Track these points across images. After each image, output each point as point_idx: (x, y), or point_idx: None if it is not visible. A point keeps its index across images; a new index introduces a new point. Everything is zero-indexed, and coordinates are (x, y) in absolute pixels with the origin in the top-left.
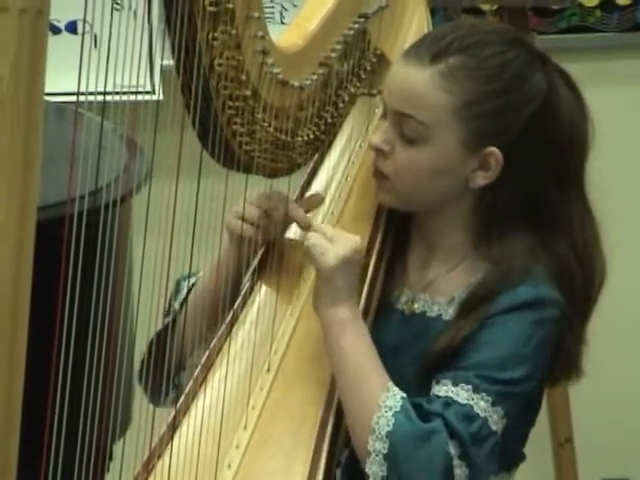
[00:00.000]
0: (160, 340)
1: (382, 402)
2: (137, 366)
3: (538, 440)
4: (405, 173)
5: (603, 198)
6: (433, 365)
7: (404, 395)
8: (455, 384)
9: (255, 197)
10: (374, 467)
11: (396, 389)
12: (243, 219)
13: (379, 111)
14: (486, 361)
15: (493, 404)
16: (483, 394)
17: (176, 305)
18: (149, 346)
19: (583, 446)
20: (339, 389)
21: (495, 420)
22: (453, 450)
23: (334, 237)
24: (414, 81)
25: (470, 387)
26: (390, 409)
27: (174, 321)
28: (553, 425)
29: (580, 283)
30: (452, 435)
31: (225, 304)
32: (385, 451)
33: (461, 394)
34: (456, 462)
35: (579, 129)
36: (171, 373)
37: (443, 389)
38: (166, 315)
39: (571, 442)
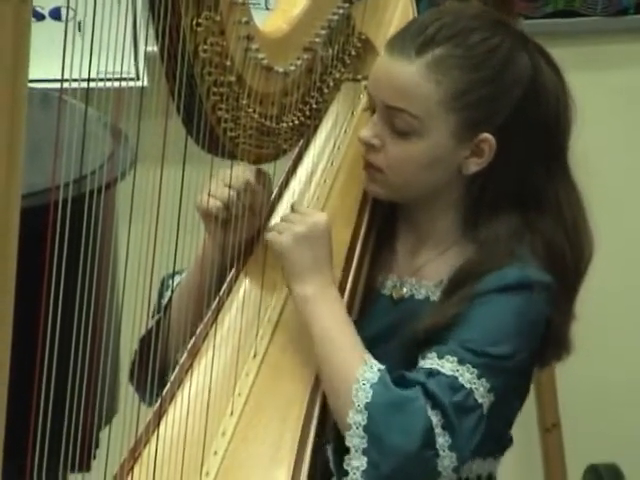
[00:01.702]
0: (148, 341)
1: (360, 375)
2: (127, 367)
3: (525, 426)
4: (399, 165)
5: (592, 182)
6: (417, 347)
7: (381, 367)
8: (440, 357)
9: (228, 177)
10: (355, 440)
11: (373, 361)
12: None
13: (364, 96)
14: (472, 336)
15: (479, 376)
16: (468, 365)
17: (163, 304)
18: (139, 347)
19: (570, 431)
20: (317, 362)
21: (481, 393)
22: (434, 419)
23: (294, 219)
24: (402, 75)
25: (455, 359)
26: (368, 381)
27: (161, 321)
28: (540, 410)
29: (570, 260)
30: (434, 405)
31: (210, 298)
32: (364, 422)
33: (446, 365)
34: (438, 430)
35: (563, 104)
36: (160, 373)
37: (428, 362)
38: (153, 315)
39: (558, 427)
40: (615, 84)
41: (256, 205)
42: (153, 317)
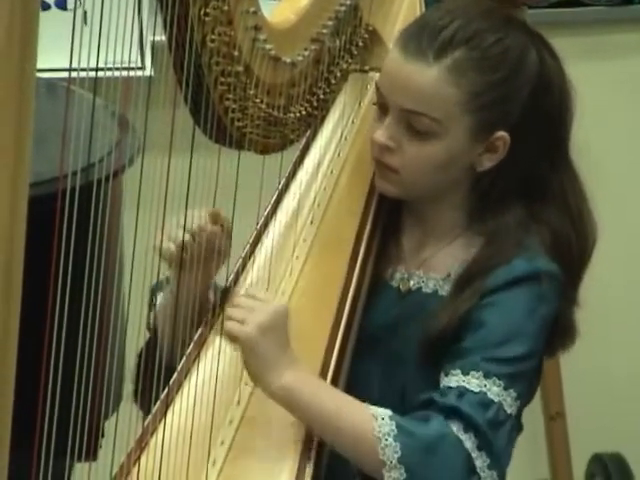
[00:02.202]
0: (145, 357)
1: (377, 433)
2: (132, 361)
3: (529, 414)
4: (415, 166)
5: (595, 172)
6: (433, 346)
7: (390, 413)
8: (465, 373)
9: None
10: None
11: (379, 411)
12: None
13: (371, 87)
14: (489, 341)
15: (505, 387)
16: (494, 378)
17: (152, 319)
18: (137, 365)
19: (575, 421)
20: (329, 442)
21: (509, 403)
22: (469, 443)
23: (255, 307)
24: (422, 79)
25: (480, 373)
26: (388, 435)
27: (154, 338)
28: (544, 399)
29: (575, 248)
30: (467, 426)
31: (186, 330)
32: (404, 476)
33: (472, 382)
34: (475, 454)
35: (566, 95)
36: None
37: (454, 379)
38: (148, 328)
39: (562, 416)
40: (620, 74)
41: (216, 245)
42: (148, 328)
